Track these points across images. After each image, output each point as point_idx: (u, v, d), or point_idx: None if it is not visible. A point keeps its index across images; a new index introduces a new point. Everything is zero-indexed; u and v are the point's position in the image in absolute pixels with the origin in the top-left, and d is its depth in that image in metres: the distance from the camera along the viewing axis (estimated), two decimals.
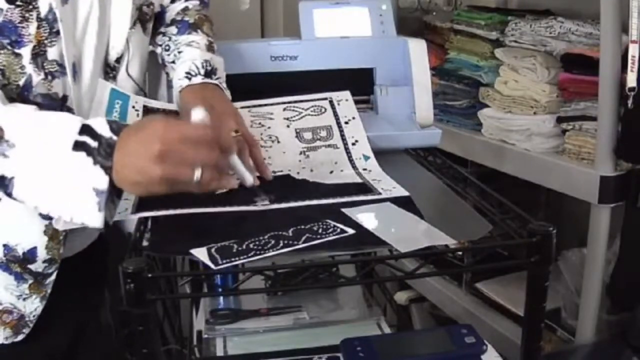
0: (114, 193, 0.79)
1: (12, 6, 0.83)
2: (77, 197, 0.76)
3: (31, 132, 0.78)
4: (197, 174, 0.75)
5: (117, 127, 0.78)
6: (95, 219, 0.77)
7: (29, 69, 0.85)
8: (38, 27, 0.85)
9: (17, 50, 0.84)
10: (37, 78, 0.86)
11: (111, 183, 0.76)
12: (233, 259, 0.71)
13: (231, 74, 1.07)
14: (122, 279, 0.67)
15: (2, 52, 0.84)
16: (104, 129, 0.77)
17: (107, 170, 0.76)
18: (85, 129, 0.77)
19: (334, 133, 1.06)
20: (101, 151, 0.76)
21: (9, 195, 0.78)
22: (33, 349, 0.97)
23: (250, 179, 0.87)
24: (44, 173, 0.77)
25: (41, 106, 0.86)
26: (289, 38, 1.22)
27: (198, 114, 0.80)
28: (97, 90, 0.96)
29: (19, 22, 0.84)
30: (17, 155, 0.76)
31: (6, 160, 0.76)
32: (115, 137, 0.77)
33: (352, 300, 1.31)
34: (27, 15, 0.84)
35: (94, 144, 0.76)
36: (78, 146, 0.76)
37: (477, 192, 0.99)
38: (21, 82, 0.85)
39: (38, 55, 0.86)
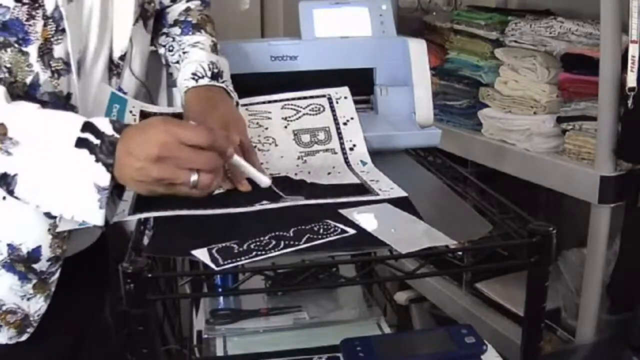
0: (115, 192, 0.80)
1: (19, 4, 0.83)
2: (78, 194, 0.77)
3: (34, 130, 0.79)
4: (194, 177, 0.77)
5: (119, 125, 0.79)
6: (96, 217, 0.78)
7: (36, 67, 0.86)
8: (44, 25, 0.85)
9: (24, 48, 0.84)
10: (44, 76, 0.86)
11: (113, 180, 0.77)
12: (235, 260, 0.71)
13: (231, 74, 1.07)
14: (122, 279, 0.67)
15: (9, 49, 0.84)
16: (106, 127, 0.78)
17: (109, 167, 0.76)
18: (88, 127, 0.78)
19: (332, 135, 1.06)
20: (103, 148, 0.77)
21: (11, 193, 0.79)
22: (35, 349, 0.97)
23: (265, 181, 0.87)
24: (47, 170, 0.78)
25: (47, 104, 0.86)
26: (289, 38, 1.22)
27: None
28: (99, 92, 0.96)
29: (25, 20, 0.84)
30: (21, 152, 0.77)
31: (9, 157, 0.77)
32: (117, 135, 0.78)
33: (352, 300, 1.31)
34: (33, 13, 0.84)
35: (96, 141, 0.77)
36: (80, 143, 0.77)
37: (477, 192, 0.99)
38: (28, 80, 0.85)
39: (44, 53, 0.86)
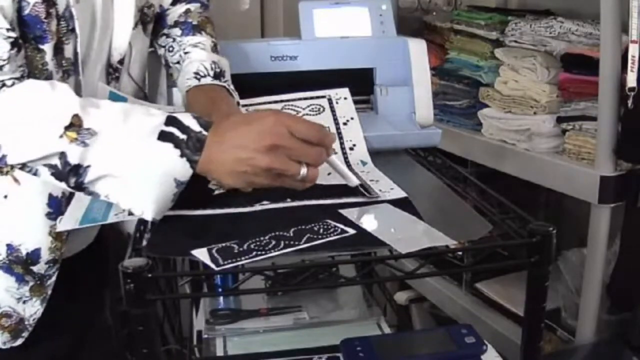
0: None
1: (39, 1, 0.82)
2: (155, 188, 0.76)
3: (113, 122, 0.76)
4: (304, 170, 0.77)
5: (204, 122, 0.78)
6: (161, 211, 0.77)
7: (50, 65, 0.85)
8: (57, 24, 0.85)
9: (40, 46, 0.84)
10: (56, 76, 0.86)
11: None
12: (235, 260, 0.71)
13: (231, 74, 1.07)
14: (122, 279, 0.67)
15: (26, 45, 0.82)
16: (191, 122, 0.77)
17: (193, 163, 0.76)
18: (172, 121, 0.77)
19: None
20: (190, 144, 0.75)
21: (80, 184, 0.76)
22: (35, 350, 0.96)
23: (354, 180, 0.88)
24: (125, 161, 0.75)
25: None
26: (289, 38, 1.22)
27: None
28: (98, 93, 0.96)
29: (44, 18, 0.83)
30: (98, 143, 0.75)
31: (85, 148, 0.75)
32: (205, 132, 0.76)
33: (352, 300, 1.31)
34: (50, 10, 0.83)
35: (182, 136, 0.76)
36: (164, 137, 0.75)
37: (477, 192, 0.99)
38: (42, 79, 0.84)
39: (57, 52, 0.86)
